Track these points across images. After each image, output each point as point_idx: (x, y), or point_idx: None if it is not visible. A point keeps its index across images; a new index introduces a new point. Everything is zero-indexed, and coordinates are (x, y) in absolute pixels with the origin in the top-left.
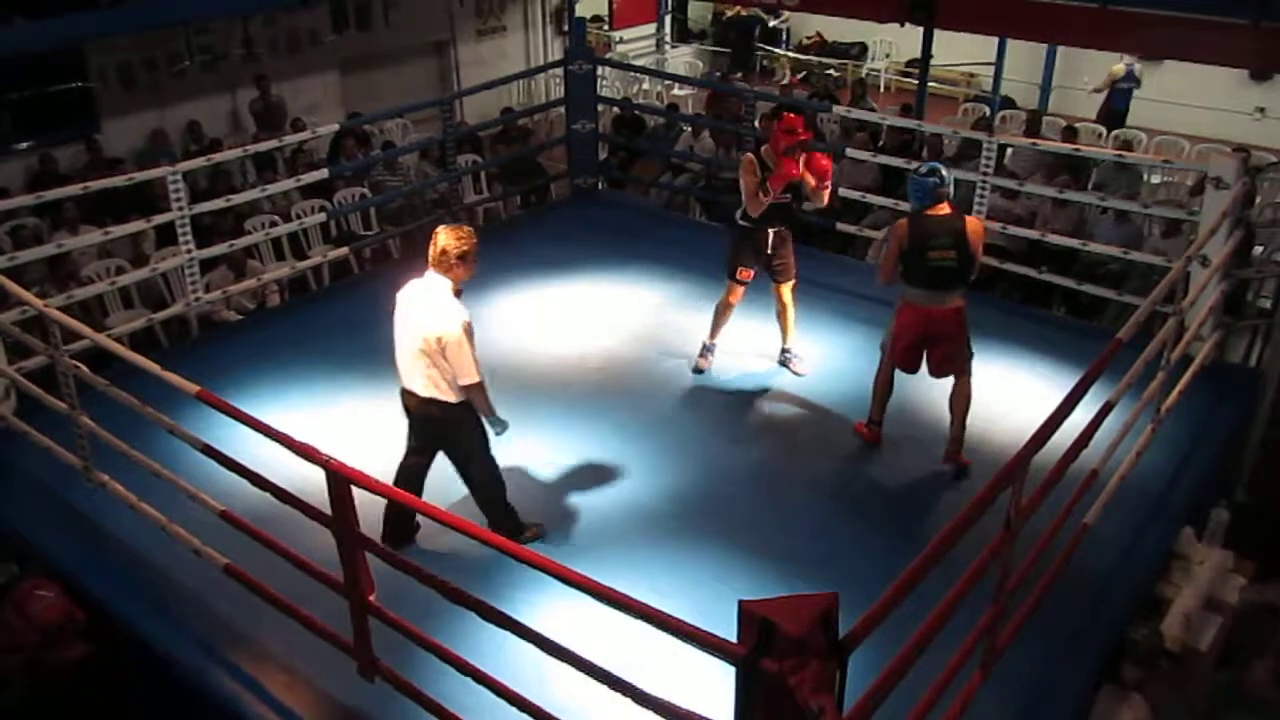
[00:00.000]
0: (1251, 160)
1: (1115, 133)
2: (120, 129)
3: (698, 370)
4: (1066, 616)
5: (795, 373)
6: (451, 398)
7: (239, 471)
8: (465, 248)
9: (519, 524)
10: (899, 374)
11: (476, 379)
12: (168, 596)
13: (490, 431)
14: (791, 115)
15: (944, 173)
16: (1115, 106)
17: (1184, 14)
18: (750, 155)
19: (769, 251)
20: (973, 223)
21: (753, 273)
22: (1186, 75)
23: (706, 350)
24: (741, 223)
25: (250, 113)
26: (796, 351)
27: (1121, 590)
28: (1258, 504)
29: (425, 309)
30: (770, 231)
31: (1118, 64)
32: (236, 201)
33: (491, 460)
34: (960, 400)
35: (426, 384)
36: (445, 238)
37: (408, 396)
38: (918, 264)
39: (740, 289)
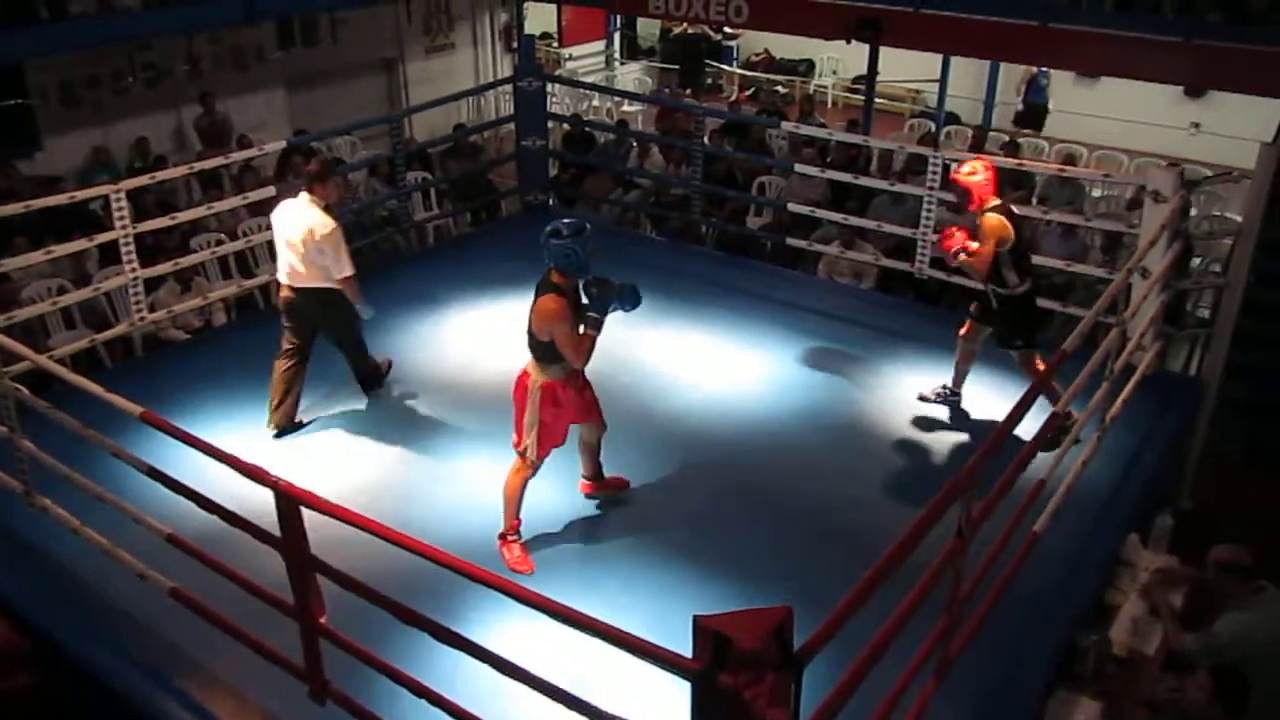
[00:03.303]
0: (1187, 174)
1: (1057, 147)
2: (62, 146)
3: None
4: (1017, 623)
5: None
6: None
7: (185, 494)
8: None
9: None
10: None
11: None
12: (113, 622)
13: None
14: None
15: (548, 236)
16: (1034, 100)
17: (1120, 32)
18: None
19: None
20: (542, 302)
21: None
22: (1124, 91)
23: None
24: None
25: (195, 130)
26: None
27: (1070, 597)
28: (1200, 509)
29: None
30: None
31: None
32: (182, 220)
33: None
34: (505, 481)
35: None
36: None
37: None
38: None
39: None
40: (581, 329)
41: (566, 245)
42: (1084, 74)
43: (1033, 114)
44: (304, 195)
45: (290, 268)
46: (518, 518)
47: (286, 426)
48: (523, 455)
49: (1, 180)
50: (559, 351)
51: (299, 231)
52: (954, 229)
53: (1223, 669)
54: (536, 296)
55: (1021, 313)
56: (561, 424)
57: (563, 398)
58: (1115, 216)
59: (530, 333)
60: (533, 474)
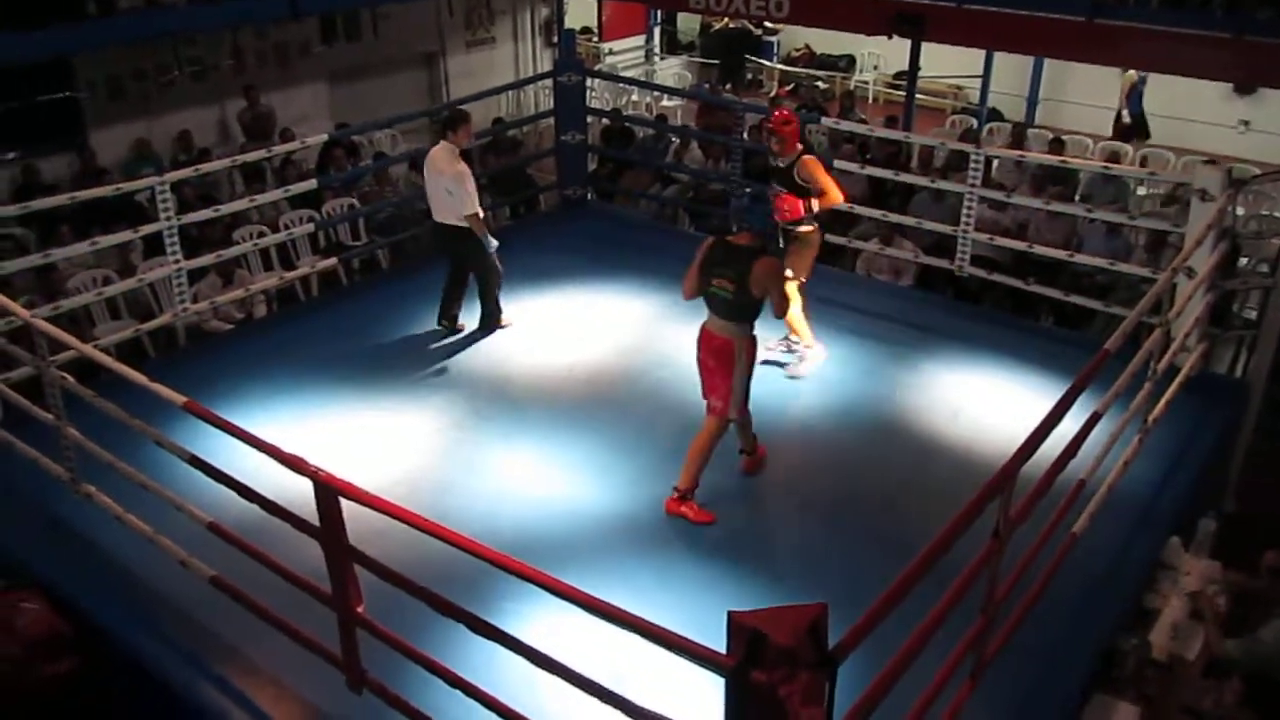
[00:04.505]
0: (1235, 173)
1: (1101, 144)
2: (108, 139)
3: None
4: (1055, 626)
5: (781, 364)
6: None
7: (226, 483)
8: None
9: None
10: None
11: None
12: (155, 608)
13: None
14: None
15: (750, 203)
16: (1134, 110)
17: (1169, 28)
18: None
19: (781, 247)
20: (762, 264)
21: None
22: (1172, 88)
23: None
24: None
25: (239, 123)
26: (794, 349)
27: (1109, 600)
28: (1244, 513)
29: None
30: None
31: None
32: (224, 212)
33: None
34: (695, 442)
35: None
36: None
37: None
38: (703, 284)
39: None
40: None
41: (766, 208)
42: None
43: (1138, 124)
44: (442, 141)
45: (431, 203)
46: (698, 480)
47: (450, 328)
48: (721, 416)
49: (78, 163)
50: (756, 312)
51: (433, 171)
52: (783, 198)
53: (1255, 675)
54: (743, 260)
55: (796, 246)
56: None
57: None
58: (1160, 215)
59: (739, 294)
60: (724, 433)
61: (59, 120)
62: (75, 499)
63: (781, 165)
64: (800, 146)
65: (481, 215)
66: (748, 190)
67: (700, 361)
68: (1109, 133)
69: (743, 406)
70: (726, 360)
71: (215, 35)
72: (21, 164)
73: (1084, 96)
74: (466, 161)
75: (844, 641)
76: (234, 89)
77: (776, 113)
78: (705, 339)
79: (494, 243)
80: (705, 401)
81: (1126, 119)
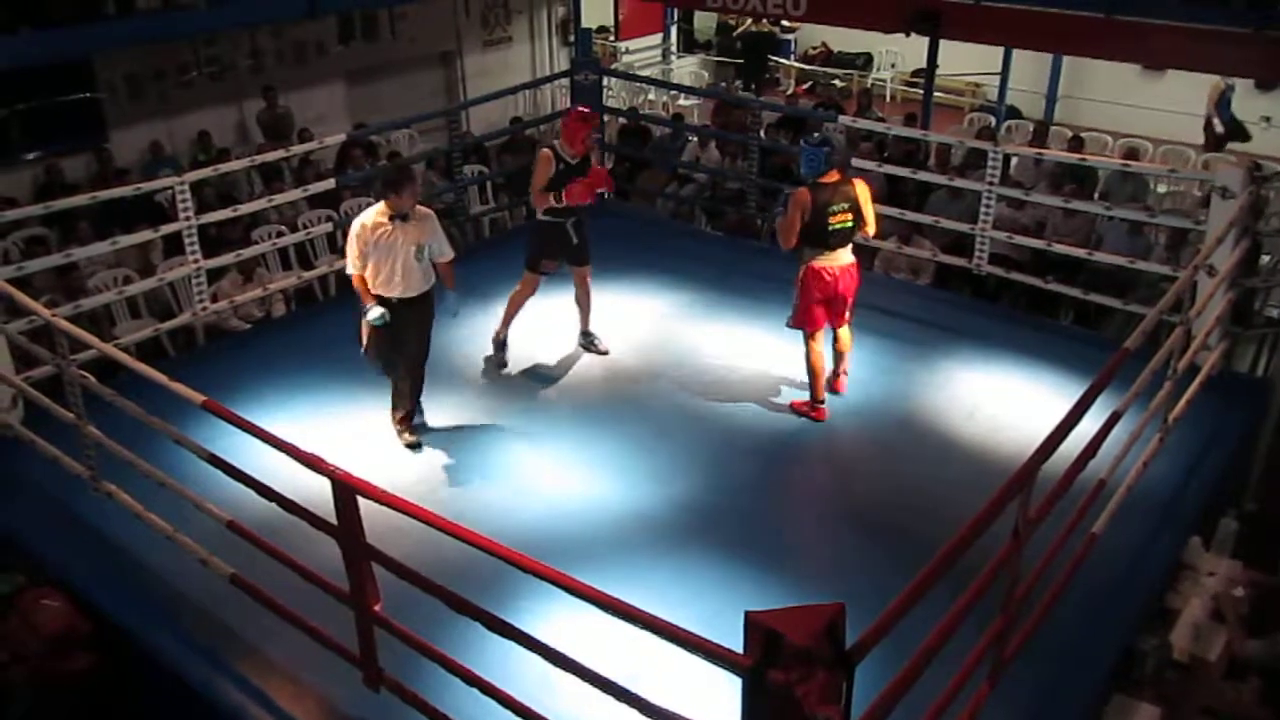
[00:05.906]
0: (1260, 170)
1: (1120, 141)
2: (128, 139)
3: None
4: (1074, 627)
5: (600, 352)
6: None
7: (245, 481)
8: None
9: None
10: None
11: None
12: (174, 606)
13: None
14: (585, 109)
15: (834, 141)
16: (1225, 117)
17: (1188, 24)
18: (547, 150)
19: (575, 242)
20: (862, 184)
21: (555, 265)
22: (1192, 85)
23: (501, 346)
24: (545, 218)
25: (257, 123)
26: (596, 333)
27: (1129, 600)
28: (1266, 513)
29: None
30: (570, 223)
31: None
32: (243, 212)
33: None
34: (847, 342)
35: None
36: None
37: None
38: (824, 226)
39: (538, 280)
40: None
41: (830, 148)
42: (1150, 67)
43: (1233, 130)
44: (382, 202)
45: None
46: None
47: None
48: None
49: (96, 163)
50: None
51: None
52: (588, 182)
53: (1273, 672)
54: (848, 190)
55: (586, 231)
56: None
57: None
58: (1181, 213)
59: (856, 218)
60: None
61: (80, 120)
62: (95, 497)
63: (579, 160)
64: None
65: (358, 276)
66: (815, 133)
67: (838, 296)
68: (1128, 130)
69: None
70: (858, 275)
71: (234, 35)
72: (45, 163)
73: (1103, 94)
74: (484, 161)
75: (861, 641)
76: (252, 89)
77: (586, 110)
78: (840, 273)
79: (373, 311)
80: (832, 326)
81: (1219, 128)
